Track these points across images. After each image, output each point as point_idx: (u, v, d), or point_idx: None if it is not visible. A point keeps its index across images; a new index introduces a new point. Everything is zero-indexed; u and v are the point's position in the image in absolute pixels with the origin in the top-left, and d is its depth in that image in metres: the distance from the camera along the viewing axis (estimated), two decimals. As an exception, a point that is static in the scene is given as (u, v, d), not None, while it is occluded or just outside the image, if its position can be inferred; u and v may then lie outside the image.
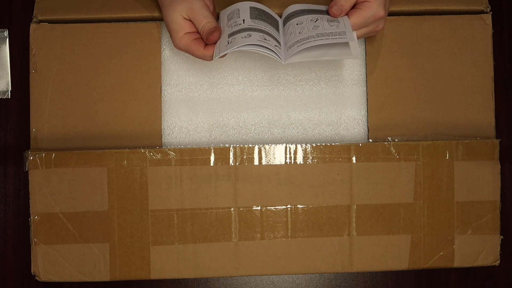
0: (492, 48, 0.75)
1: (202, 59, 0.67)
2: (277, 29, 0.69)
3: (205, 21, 0.66)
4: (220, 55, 0.64)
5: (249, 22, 0.67)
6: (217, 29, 0.66)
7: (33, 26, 0.73)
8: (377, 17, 0.67)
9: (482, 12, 0.75)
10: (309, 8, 0.70)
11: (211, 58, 0.66)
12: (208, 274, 0.72)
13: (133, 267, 0.72)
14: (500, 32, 0.79)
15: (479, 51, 0.75)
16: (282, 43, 0.68)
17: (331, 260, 0.73)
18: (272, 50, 0.65)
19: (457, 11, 0.75)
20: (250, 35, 0.65)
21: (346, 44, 0.66)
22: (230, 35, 0.66)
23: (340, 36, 0.65)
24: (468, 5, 0.74)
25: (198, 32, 0.67)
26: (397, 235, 0.73)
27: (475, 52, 0.75)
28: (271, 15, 0.70)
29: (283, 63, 0.65)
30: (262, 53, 0.65)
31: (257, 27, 0.66)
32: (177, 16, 0.66)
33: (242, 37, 0.65)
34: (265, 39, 0.65)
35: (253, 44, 0.64)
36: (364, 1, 0.67)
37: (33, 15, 0.73)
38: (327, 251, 0.73)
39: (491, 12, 0.75)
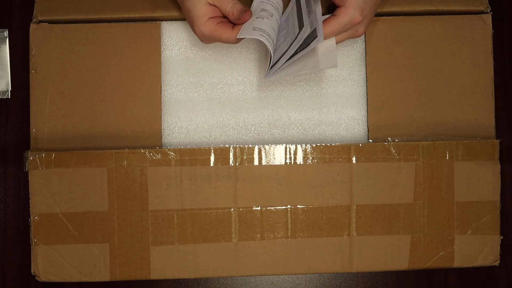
0: (492, 48, 0.75)
1: (228, 42, 0.66)
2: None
3: (232, 2, 0.66)
4: (245, 36, 0.64)
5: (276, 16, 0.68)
6: (248, 9, 0.66)
7: (33, 26, 0.73)
8: (354, 22, 0.66)
9: (482, 12, 0.75)
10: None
11: (237, 41, 0.66)
12: (208, 274, 0.72)
13: (133, 267, 0.72)
14: (500, 32, 0.79)
15: (479, 51, 0.75)
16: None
17: (331, 260, 0.73)
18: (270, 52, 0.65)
19: (457, 12, 0.75)
20: (269, 33, 0.65)
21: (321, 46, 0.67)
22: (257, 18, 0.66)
23: (314, 39, 0.64)
24: (468, 6, 0.74)
25: (222, 16, 0.67)
26: (397, 235, 0.73)
27: (475, 52, 0.75)
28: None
29: (264, 79, 0.67)
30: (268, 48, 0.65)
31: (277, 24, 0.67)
32: (201, 1, 0.66)
33: (267, 30, 0.65)
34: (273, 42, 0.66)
35: (267, 41, 0.65)
36: (341, 6, 0.66)
37: (33, 15, 0.73)
38: (327, 251, 0.73)
39: (491, 12, 0.75)
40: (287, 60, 0.65)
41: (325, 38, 0.66)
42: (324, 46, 0.67)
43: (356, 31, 0.68)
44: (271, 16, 0.67)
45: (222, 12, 0.67)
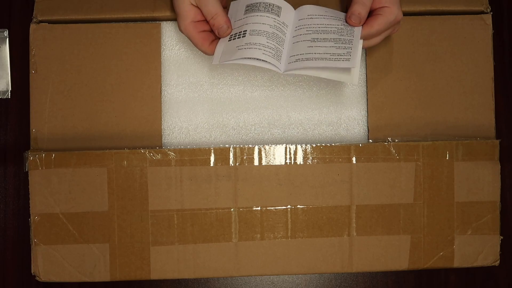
0: (492, 49, 0.75)
1: (203, 53, 0.69)
2: (282, 22, 0.69)
3: (214, 12, 0.66)
4: (219, 63, 0.66)
5: (252, 26, 0.67)
6: (229, 26, 0.67)
7: (33, 27, 0.73)
8: (398, 20, 0.67)
9: (482, 12, 0.75)
10: (325, 14, 0.69)
11: (212, 54, 0.67)
12: (208, 274, 0.72)
13: (133, 268, 0.72)
14: (500, 33, 0.79)
15: (479, 52, 0.75)
16: (286, 43, 0.68)
17: (331, 260, 0.73)
18: (270, 62, 0.65)
19: (457, 12, 0.75)
20: (250, 44, 0.65)
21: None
22: (233, 37, 0.67)
23: (344, 61, 0.64)
24: (468, 6, 0.74)
25: (205, 21, 0.68)
26: (397, 235, 0.73)
27: (475, 53, 0.75)
28: (279, 6, 0.69)
29: (281, 72, 0.66)
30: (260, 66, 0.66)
31: (260, 30, 0.67)
32: (185, 2, 0.67)
33: (243, 48, 0.65)
34: (266, 49, 0.66)
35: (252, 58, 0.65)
36: (383, 7, 0.66)
37: (33, 15, 0.73)
38: (327, 251, 0.73)
39: (491, 13, 0.75)
40: (313, 60, 0.65)
41: (371, 36, 0.67)
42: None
43: (394, 28, 0.69)
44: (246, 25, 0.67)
45: (204, 17, 0.67)
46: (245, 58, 0.65)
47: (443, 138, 0.74)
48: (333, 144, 0.72)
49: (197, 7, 0.67)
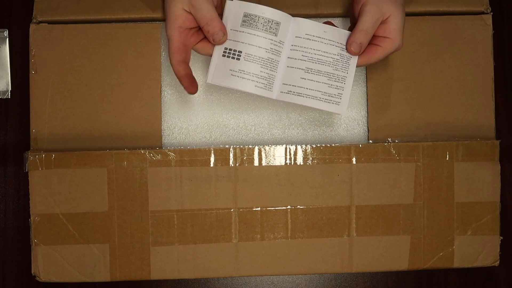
0: (493, 49, 0.75)
1: (170, 62, 0.66)
2: (276, 37, 0.66)
3: (209, 18, 0.63)
4: (212, 83, 0.65)
5: (247, 49, 0.65)
6: (225, 33, 0.64)
7: (32, 27, 0.73)
8: (398, 50, 0.65)
9: (482, 13, 0.75)
10: (323, 36, 0.66)
11: (177, 72, 0.66)
12: (208, 274, 0.72)
13: (133, 268, 0.72)
14: (500, 33, 0.78)
15: (479, 52, 0.75)
16: (280, 64, 0.66)
17: (331, 260, 0.73)
18: (264, 88, 0.65)
19: (458, 12, 0.75)
20: (243, 72, 0.65)
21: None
22: (227, 53, 0.65)
23: (334, 104, 0.65)
24: (469, 6, 0.74)
25: (196, 28, 0.65)
26: (397, 235, 0.73)
27: (476, 53, 0.75)
28: (274, 20, 0.66)
29: (273, 98, 0.66)
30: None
31: (255, 56, 0.65)
32: (178, 5, 0.63)
33: (236, 75, 0.65)
34: (259, 79, 0.65)
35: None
36: (386, 37, 0.64)
37: (33, 15, 0.73)
38: (327, 251, 0.73)
39: (492, 13, 0.75)
40: (304, 97, 0.65)
41: (365, 65, 0.66)
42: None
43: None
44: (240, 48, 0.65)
45: (198, 23, 0.64)
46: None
47: (443, 139, 0.74)
48: (333, 145, 0.72)
49: (190, 13, 0.64)
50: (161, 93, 0.74)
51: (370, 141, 0.74)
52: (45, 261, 0.71)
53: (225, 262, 0.72)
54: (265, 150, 0.72)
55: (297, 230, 0.72)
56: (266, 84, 0.65)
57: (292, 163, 0.72)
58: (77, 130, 0.73)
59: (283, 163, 0.72)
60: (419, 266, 0.73)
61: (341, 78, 0.65)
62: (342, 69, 0.66)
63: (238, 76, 0.65)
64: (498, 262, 0.74)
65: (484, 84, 0.75)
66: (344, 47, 0.66)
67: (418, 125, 0.74)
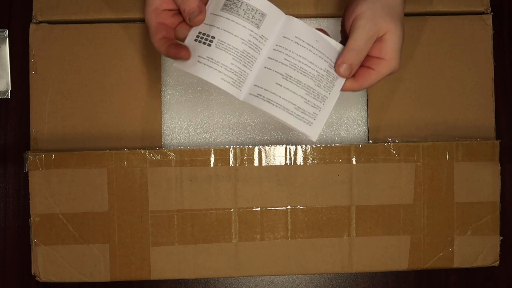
0: (493, 49, 0.75)
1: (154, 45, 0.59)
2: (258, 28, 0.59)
3: None
4: (176, 67, 0.58)
5: (221, 35, 0.58)
6: (202, 11, 0.57)
7: (32, 27, 0.73)
8: (394, 72, 0.58)
9: (482, 13, 0.75)
10: (314, 45, 0.59)
11: (158, 49, 0.58)
12: (208, 274, 0.72)
13: (133, 268, 0.72)
14: (500, 33, 0.78)
15: (479, 52, 0.75)
16: (257, 62, 0.59)
17: (331, 260, 0.73)
18: (227, 90, 0.58)
19: (458, 12, 0.75)
20: (212, 60, 0.57)
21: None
22: (199, 37, 0.58)
23: (305, 123, 0.58)
24: (469, 6, 0.74)
25: (172, 11, 0.59)
26: (396, 236, 0.73)
27: (476, 53, 0.75)
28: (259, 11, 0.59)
29: (240, 99, 0.58)
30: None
31: (228, 45, 0.58)
32: None
33: (203, 62, 0.57)
34: (227, 72, 0.57)
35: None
36: (380, 58, 0.57)
37: (32, 15, 0.73)
38: (327, 251, 0.73)
39: (492, 13, 0.75)
40: (274, 106, 0.58)
41: (355, 91, 0.59)
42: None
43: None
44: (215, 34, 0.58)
45: (175, 2, 0.58)
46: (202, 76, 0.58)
47: (443, 139, 0.74)
48: (333, 145, 0.72)
49: None
50: (161, 93, 0.74)
51: (370, 141, 0.74)
52: (45, 261, 0.71)
53: (225, 262, 0.72)
54: (265, 150, 0.72)
55: (297, 230, 0.73)
56: (235, 80, 0.58)
57: (292, 163, 0.72)
58: (77, 130, 0.73)
59: (283, 163, 0.72)
60: (419, 266, 0.73)
61: (322, 97, 0.58)
62: (325, 87, 0.58)
63: (204, 64, 0.57)
64: (498, 262, 0.74)
65: (484, 84, 0.75)
66: (334, 64, 0.59)
67: (418, 125, 0.74)
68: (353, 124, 0.76)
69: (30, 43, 0.73)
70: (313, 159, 0.72)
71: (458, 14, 0.75)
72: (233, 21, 0.58)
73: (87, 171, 0.71)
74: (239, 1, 0.58)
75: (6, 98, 0.77)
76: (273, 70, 0.58)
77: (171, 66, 0.75)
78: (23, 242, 0.76)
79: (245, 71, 0.58)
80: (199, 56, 0.57)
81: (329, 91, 0.58)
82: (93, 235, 0.72)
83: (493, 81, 0.75)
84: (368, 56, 0.57)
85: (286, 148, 0.72)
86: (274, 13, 0.59)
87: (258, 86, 0.58)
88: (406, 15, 0.74)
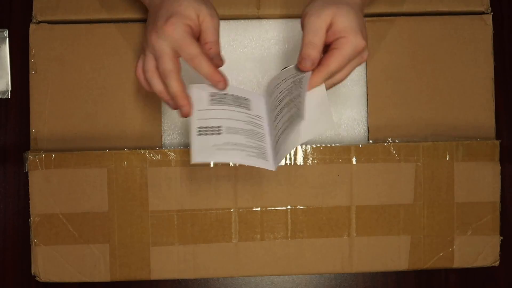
0: (493, 49, 0.75)
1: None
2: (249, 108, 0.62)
3: (213, 37, 0.60)
4: (201, 161, 0.59)
5: (226, 123, 0.60)
6: (222, 59, 0.60)
7: (32, 27, 0.73)
8: (359, 50, 0.59)
9: (482, 13, 0.75)
10: (282, 77, 0.62)
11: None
12: (208, 274, 0.72)
13: (133, 268, 0.72)
14: (500, 33, 0.78)
15: (479, 52, 0.75)
16: (269, 134, 0.62)
17: (331, 260, 0.73)
18: (256, 164, 0.59)
19: (458, 12, 0.75)
20: (229, 144, 0.59)
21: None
22: (203, 131, 0.60)
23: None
24: (469, 6, 0.74)
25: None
26: (397, 236, 0.73)
27: (476, 53, 0.75)
28: (241, 97, 0.63)
29: (273, 169, 0.60)
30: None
31: (236, 128, 0.60)
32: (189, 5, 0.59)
33: (224, 148, 0.59)
34: (248, 149, 0.59)
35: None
36: (338, 38, 0.58)
37: (32, 15, 0.73)
38: (327, 251, 0.73)
39: (492, 13, 0.75)
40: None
41: (331, 75, 0.59)
42: (314, 106, 0.59)
43: (361, 57, 0.60)
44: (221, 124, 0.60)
45: (200, 35, 0.60)
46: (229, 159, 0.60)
47: (443, 139, 0.74)
48: (333, 145, 0.72)
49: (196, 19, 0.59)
50: (161, 93, 0.74)
51: (370, 141, 0.74)
52: (45, 261, 0.71)
53: (225, 262, 0.72)
54: (265, 150, 0.72)
55: (297, 230, 0.72)
56: (258, 153, 0.60)
57: (292, 163, 0.72)
58: (77, 130, 0.73)
59: (283, 163, 0.72)
60: (419, 266, 0.73)
61: (299, 96, 0.59)
62: (297, 90, 0.60)
63: (225, 149, 0.59)
64: (498, 262, 0.74)
65: (484, 84, 0.75)
66: (295, 74, 0.61)
67: (418, 125, 0.74)
68: (353, 124, 0.76)
69: (30, 43, 0.73)
70: (313, 159, 0.72)
71: (458, 14, 0.75)
72: (228, 110, 0.61)
73: (87, 171, 0.71)
74: (225, 94, 0.62)
75: (6, 98, 0.77)
76: (282, 129, 0.60)
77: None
78: (23, 242, 0.76)
79: (261, 145, 0.61)
80: (214, 145, 0.59)
81: (301, 89, 0.59)
82: (93, 235, 0.72)
83: (493, 81, 0.75)
84: (329, 43, 0.59)
85: (286, 148, 0.72)
86: (254, 98, 0.64)
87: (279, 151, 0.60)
88: (406, 14, 0.75)
